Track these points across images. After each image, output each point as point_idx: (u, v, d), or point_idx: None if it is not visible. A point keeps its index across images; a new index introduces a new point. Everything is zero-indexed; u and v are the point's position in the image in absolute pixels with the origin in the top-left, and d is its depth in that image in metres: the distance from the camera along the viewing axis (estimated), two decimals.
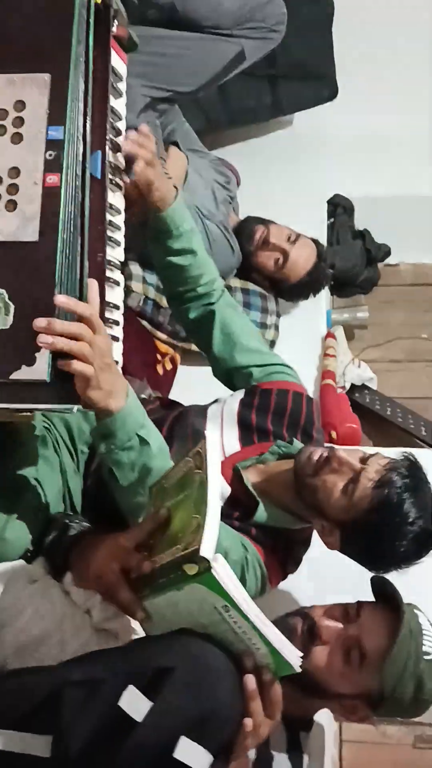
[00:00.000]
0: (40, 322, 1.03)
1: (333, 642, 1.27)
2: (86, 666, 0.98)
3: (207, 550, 0.94)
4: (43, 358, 1.03)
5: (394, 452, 1.44)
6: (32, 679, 0.99)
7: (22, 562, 1.24)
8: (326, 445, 1.65)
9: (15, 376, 1.04)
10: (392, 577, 1.40)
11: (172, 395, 2.24)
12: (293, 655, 0.99)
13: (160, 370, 2.23)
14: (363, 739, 1.78)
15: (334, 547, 1.45)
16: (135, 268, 2.17)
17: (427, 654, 1.24)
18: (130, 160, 1.30)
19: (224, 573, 0.95)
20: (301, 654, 1.00)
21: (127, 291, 2.14)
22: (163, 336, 2.25)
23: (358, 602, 1.32)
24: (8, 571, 1.18)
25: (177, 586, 0.99)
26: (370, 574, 1.43)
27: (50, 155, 1.08)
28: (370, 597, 1.39)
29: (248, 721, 0.97)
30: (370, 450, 1.48)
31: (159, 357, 2.24)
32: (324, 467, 1.40)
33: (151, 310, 2.19)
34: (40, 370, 1.03)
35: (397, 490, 1.34)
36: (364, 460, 1.39)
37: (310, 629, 1.29)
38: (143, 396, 1.76)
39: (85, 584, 1.20)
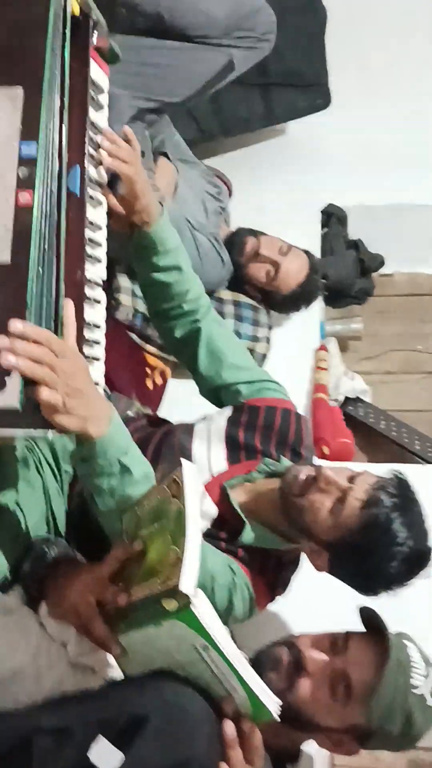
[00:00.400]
0: (2, 341, 0.98)
1: (319, 674, 1.24)
2: (58, 712, 0.94)
3: (187, 585, 0.91)
4: (14, 384, 0.99)
5: (384, 470, 1.40)
6: (2, 725, 0.95)
7: None
8: (315, 463, 1.62)
9: None
10: (383, 599, 1.37)
11: (162, 409, 2.22)
12: (272, 702, 0.97)
13: (149, 384, 2.19)
14: (356, 765, 1.74)
15: (322, 570, 1.42)
16: (124, 281, 2.13)
17: (416, 687, 1.20)
18: (114, 173, 1.28)
19: (204, 611, 0.91)
20: (280, 702, 0.96)
21: (116, 304, 2.11)
22: (153, 349, 2.21)
23: (347, 633, 1.28)
24: None
25: (155, 621, 0.96)
26: (360, 596, 1.39)
27: (23, 172, 1.04)
28: (358, 619, 1.35)
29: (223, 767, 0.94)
30: (359, 467, 1.44)
31: (148, 371, 2.20)
32: (310, 487, 1.36)
33: (140, 323, 2.16)
34: (11, 396, 0.99)
35: (386, 509, 1.30)
36: (351, 478, 1.36)
37: (296, 660, 1.25)
38: (130, 413, 1.73)
39: (59, 616, 1.17)
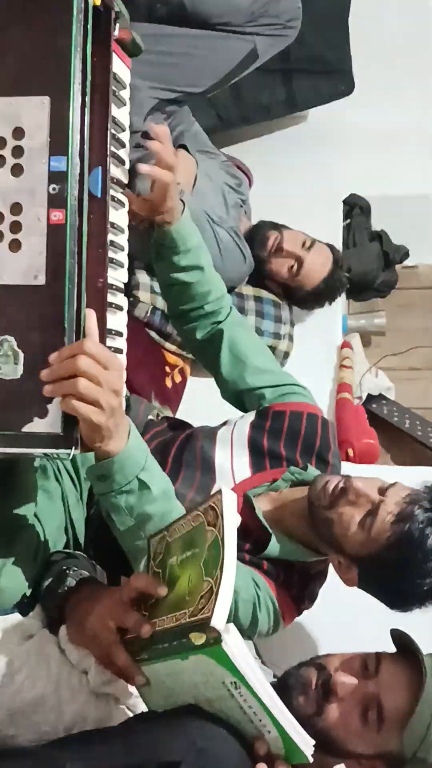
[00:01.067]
0: (43, 374, 0.99)
1: (350, 699, 1.18)
2: (83, 753, 0.89)
3: (219, 620, 0.86)
4: (55, 410, 0.99)
5: (415, 479, 1.36)
6: (25, 763, 0.90)
7: (17, 615, 1.17)
8: (342, 472, 1.58)
9: (27, 428, 0.99)
10: (415, 615, 1.32)
11: (182, 408, 2.17)
12: (307, 744, 0.93)
13: (168, 382, 2.15)
14: None
15: (352, 584, 1.38)
16: (142, 277, 2.08)
17: None
18: (139, 170, 1.23)
19: (236, 647, 0.87)
20: (313, 742, 0.91)
21: (135, 301, 2.06)
22: (172, 347, 2.17)
23: (378, 654, 1.23)
24: (1, 626, 1.10)
25: (181, 654, 0.92)
26: (391, 613, 1.34)
27: (53, 189, 1.00)
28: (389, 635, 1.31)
29: None
30: (390, 476, 1.39)
31: (168, 369, 2.16)
32: (340, 499, 1.33)
33: (159, 320, 2.11)
34: (53, 422, 0.99)
35: (420, 525, 1.27)
36: (382, 491, 1.32)
37: (325, 684, 1.20)
38: (150, 417, 1.68)
39: (80, 643, 1.13)
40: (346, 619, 1.57)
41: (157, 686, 1.02)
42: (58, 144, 1.00)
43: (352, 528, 1.31)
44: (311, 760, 0.93)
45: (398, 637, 1.26)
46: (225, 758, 0.88)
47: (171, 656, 0.94)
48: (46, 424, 0.99)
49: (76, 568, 1.22)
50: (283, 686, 1.20)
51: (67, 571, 1.20)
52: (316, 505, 1.35)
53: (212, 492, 1.02)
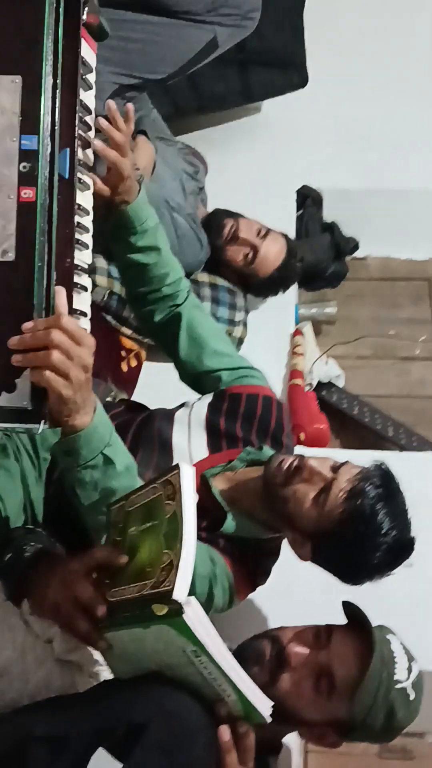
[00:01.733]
0: (12, 341, 0.99)
1: (302, 669, 1.23)
2: (52, 719, 0.92)
3: (180, 593, 0.89)
4: (24, 384, 0.99)
5: (366, 459, 1.40)
6: None
7: None
8: (296, 452, 1.62)
9: None
10: (365, 588, 1.37)
11: (137, 392, 2.19)
12: (264, 705, 0.96)
13: (124, 367, 2.16)
14: (328, 750, 1.76)
15: (305, 559, 1.42)
16: (99, 261, 2.09)
17: (399, 682, 1.21)
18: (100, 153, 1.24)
19: (196, 619, 0.90)
20: (271, 703, 0.95)
21: (92, 285, 2.06)
22: (128, 332, 2.18)
23: (329, 626, 1.28)
24: None
25: (143, 624, 0.94)
26: (341, 586, 1.39)
27: (24, 167, 1.01)
28: (340, 607, 1.35)
29: None
30: (340, 457, 1.44)
31: (123, 354, 2.17)
32: (294, 477, 1.36)
33: (116, 304, 2.12)
34: (21, 396, 0.99)
35: (370, 501, 1.31)
36: (335, 468, 1.36)
37: (279, 655, 1.25)
38: (108, 399, 1.70)
39: (41, 614, 1.14)
40: (299, 594, 1.62)
41: (120, 652, 1.04)
42: (29, 123, 1.01)
43: (305, 505, 1.35)
44: (269, 720, 0.96)
45: (349, 608, 1.31)
46: (190, 720, 0.91)
47: (133, 625, 0.96)
48: (14, 398, 0.99)
49: (35, 542, 1.23)
50: (238, 658, 1.24)
51: (25, 547, 1.22)
52: (272, 483, 1.38)
53: (170, 466, 1.04)
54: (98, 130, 1.47)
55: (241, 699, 0.96)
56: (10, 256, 1.01)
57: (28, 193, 1.01)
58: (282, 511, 1.39)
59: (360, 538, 1.31)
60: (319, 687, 1.22)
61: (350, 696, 1.20)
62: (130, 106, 1.30)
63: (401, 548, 1.34)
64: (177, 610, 0.89)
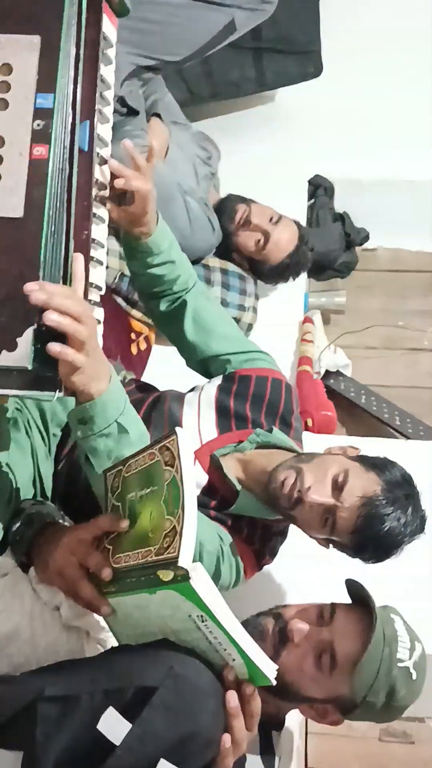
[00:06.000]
0: (30, 286, 0.95)
1: (304, 645, 1.24)
2: (61, 679, 0.92)
3: (185, 559, 0.90)
4: (25, 344, 0.97)
5: (372, 446, 1.39)
6: (3, 689, 0.93)
7: None
8: (303, 438, 1.63)
9: None
10: (369, 570, 1.38)
11: (146, 375, 2.19)
12: (270, 668, 0.96)
13: (134, 349, 2.17)
14: (328, 732, 1.77)
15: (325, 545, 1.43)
16: (111, 243, 2.08)
17: (401, 661, 1.21)
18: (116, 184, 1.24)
19: (203, 583, 0.90)
20: (276, 667, 0.96)
21: None
22: (138, 314, 2.18)
23: (333, 604, 1.29)
24: None
25: (149, 589, 0.95)
26: (346, 566, 1.41)
27: (38, 125, 1.01)
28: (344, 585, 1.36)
29: (227, 738, 0.94)
30: (343, 440, 1.44)
31: (133, 336, 2.18)
32: (297, 505, 1.35)
33: (126, 287, 2.12)
34: (21, 356, 0.97)
35: (381, 525, 1.31)
36: (338, 488, 1.33)
37: (282, 631, 1.25)
38: (119, 378, 1.70)
39: (47, 581, 1.16)
40: (303, 573, 1.63)
41: (124, 617, 1.05)
42: (46, 82, 1.01)
43: (314, 528, 1.37)
44: (274, 682, 0.97)
45: (352, 586, 1.31)
46: (199, 683, 0.92)
47: (138, 590, 0.97)
48: (15, 357, 0.98)
49: (41, 512, 1.24)
50: None
51: (34, 516, 1.23)
52: (276, 503, 1.38)
53: (167, 433, 1.04)
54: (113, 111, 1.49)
55: (246, 662, 0.96)
56: (19, 213, 1.00)
57: (40, 150, 1.01)
58: (291, 522, 1.41)
59: (381, 538, 1.32)
60: (321, 663, 1.23)
61: (352, 673, 1.21)
62: (154, 143, 1.29)
63: (421, 527, 1.36)
64: (183, 575, 0.90)
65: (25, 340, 0.97)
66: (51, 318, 0.96)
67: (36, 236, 0.99)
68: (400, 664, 1.22)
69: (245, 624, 1.28)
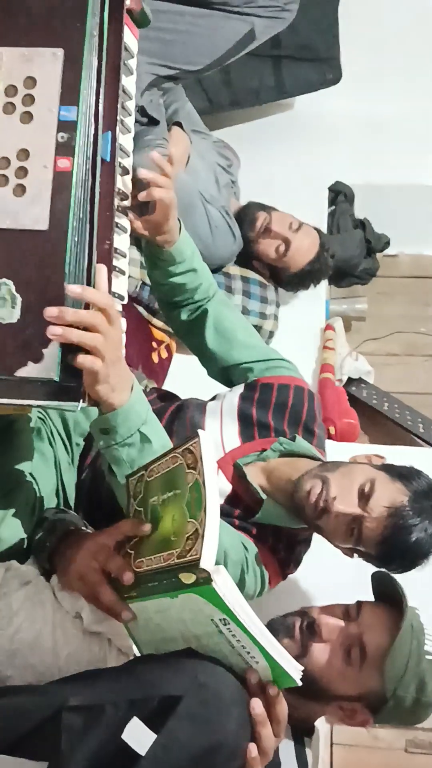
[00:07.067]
0: (51, 311, 0.97)
1: (333, 640, 1.24)
2: (85, 689, 0.92)
3: (208, 561, 0.89)
4: (51, 355, 0.98)
5: (395, 454, 1.38)
6: (27, 700, 0.93)
7: (14, 562, 1.19)
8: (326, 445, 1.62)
9: (21, 373, 0.98)
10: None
11: (167, 384, 2.20)
12: (295, 669, 0.95)
13: (155, 358, 2.17)
14: (354, 743, 1.75)
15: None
16: (132, 252, 2.10)
17: (429, 654, 1.21)
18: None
19: (225, 586, 0.90)
20: (301, 667, 0.96)
21: None
22: (159, 323, 2.19)
23: (359, 602, 1.28)
24: (0, 573, 1.13)
25: (170, 593, 0.95)
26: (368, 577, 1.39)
27: (62, 137, 1.01)
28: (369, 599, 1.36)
29: (253, 748, 0.93)
30: (366, 448, 1.42)
31: (154, 345, 2.18)
32: (323, 515, 1.35)
33: (147, 296, 2.13)
34: (48, 367, 0.98)
35: (408, 534, 1.30)
36: (364, 499, 1.32)
37: (310, 626, 1.25)
38: (141, 387, 1.70)
39: (68, 586, 1.16)
40: (327, 581, 1.62)
41: (144, 623, 1.05)
42: (69, 94, 1.02)
43: (339, 537, 1.36)
44: (300, 683, 0.96)
45: (381, 579, 1.30)
46: (224, 692, 0.91)
47: (160, 595, 0.97)
48: (41, 368, 0.98)
49: (64, 521, 1.24)
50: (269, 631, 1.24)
51: (56, 523, 1.23)
52: (303, 512, 1.37)
53: (189, 435, 1.04)
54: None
55: (271, 664, 0.95)
56: (43, 225, 1.00)
57: (64, 163, 1.01)
58: (316, 531, 1.40)
59: (407, 549, 1.31)
60: (351, 657, 1.22)
61: (380, 665, 1.20)
62: (173, 151, 1.31)
63: None
64: (205, 578, 0.89)
65: (51, 351, 0.98)
66: (52, 332, 0.97)
67: (60, 248, 0.99)
68: (428, 657, 1.21)
69: (271, 623, 1.28)
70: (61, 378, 0.99)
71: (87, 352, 1.01)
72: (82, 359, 1.00)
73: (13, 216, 1.01)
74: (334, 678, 1.23)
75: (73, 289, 0.98)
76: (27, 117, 1.03)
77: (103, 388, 1.05)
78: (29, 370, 0.98)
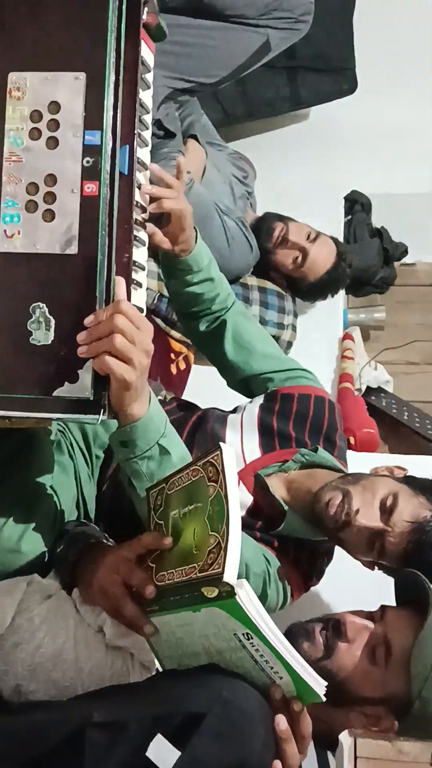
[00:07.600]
0: (86, 320, 1.01)
1: (358, 641, 1.22)
2: (109, 705, 0.92)
3: (230, 575, 0.89)
4: (86, 375, 1.01)
5: (415, 463, 1.37)
6: (51, 716, 0.93)
7: (36, 576, 1.19)
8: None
9: (57, 393, 1.02)
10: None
11: (185, 395, 2.19)
12: (319, 684, 0.94)
13: (173, 369, 2.17)
14: (378, 756, 1.73)
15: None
16: (149, 264, 2.10)
17: None
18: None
19: (248, 600, 0.89)
20: (325, 683, 0.95)
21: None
22: (177, 334, 2.19)
23: (382, 606, 1.27)
24: (22, 587, 1.13)
25: (193, 607, 0.94)
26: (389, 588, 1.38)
27: (88, 162, 1.03)
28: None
29: (278, 765, 0.93)
30: (392, 463, 1.41)
31: (173, 356, 2.18)
32: (344, 528, 1.33)
33: (165, 307, 2.13)
34: (82, 387, 1.01)
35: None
36: (387, 512, 1.31)
37: (335, 626, 1.23)
38: (159, 397, 1.70)
39: (90, 600, 1.15)
40: (348, 593, 1.60)
41: (167, 637, 1.04)
42: (93, 118, 1.03)
43: (360, 552, 1.35)
44: (324, 699, 0.95)
45: (408, 578, 1.27)
46: (248, 708, 0.90)
47: (182, 608, 0.96)
48: (76, 388, 1.01)
49: (85, 534, 1.24)
50: (288, 636, 1.22)
51: (78, 536, 1.23)
52: (323, 525, 1.36)
53: (211, 448, 1.04)
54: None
55: (295, 679, 0.94)
56: (73, 249, 1.03)
57: (91, 188, 1.03)
58: (338, 544, 1.40)
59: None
60: (376, 657, 1.20)
61: (406, 665, 1.18)
62: (181, 159, 1.32)
63: None
64: (228, 591, 0.89)
65: (86, 371, 1.02)
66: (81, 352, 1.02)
67: (91, 271, 1.02)
68: None
69: (291, 628, 1.27)
70: (94, 395, 1.02)
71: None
72: (116, 365, 1.01)
73: (44, 241, 1.04)
74: (358, 679, 1.21)
75: (87, 321, 1.02)
76: (53, 143, 1.04)
77: (129, 395, 1.05)
78: (65, 390, 1.02)
